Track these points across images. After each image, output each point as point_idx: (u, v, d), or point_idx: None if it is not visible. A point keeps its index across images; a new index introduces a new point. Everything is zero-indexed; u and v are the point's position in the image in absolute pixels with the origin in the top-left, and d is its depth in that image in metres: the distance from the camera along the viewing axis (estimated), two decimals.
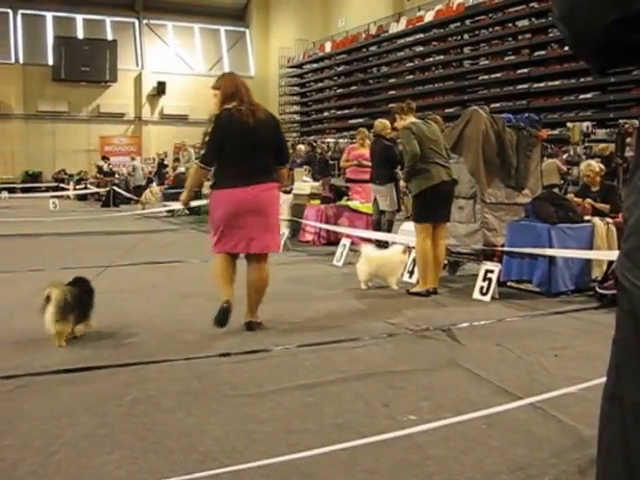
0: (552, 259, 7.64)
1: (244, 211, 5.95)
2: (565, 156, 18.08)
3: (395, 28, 29.11)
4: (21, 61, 37.87)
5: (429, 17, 27.08)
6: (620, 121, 15.57)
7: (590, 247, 7.89)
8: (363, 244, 8.77)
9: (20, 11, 38.11)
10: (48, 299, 5.47)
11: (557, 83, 21.17)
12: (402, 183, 7.88)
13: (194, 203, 17.93)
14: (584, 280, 7.95)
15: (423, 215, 7.72)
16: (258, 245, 6.06)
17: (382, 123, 11.14)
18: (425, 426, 3.71)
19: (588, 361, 5.19)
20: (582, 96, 20.35)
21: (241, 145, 5.94)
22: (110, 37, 39.81)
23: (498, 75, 23.41)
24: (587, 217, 8.28)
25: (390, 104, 16.30)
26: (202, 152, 6.39)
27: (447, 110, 22.73)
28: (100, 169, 28.56)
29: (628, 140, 14.04)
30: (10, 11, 37.94)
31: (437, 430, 3.70)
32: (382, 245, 10.70)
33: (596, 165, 9.24)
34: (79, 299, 5.67)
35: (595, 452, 1.39)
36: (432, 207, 7.66)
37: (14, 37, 37.98)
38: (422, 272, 7.75)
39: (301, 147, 19.60)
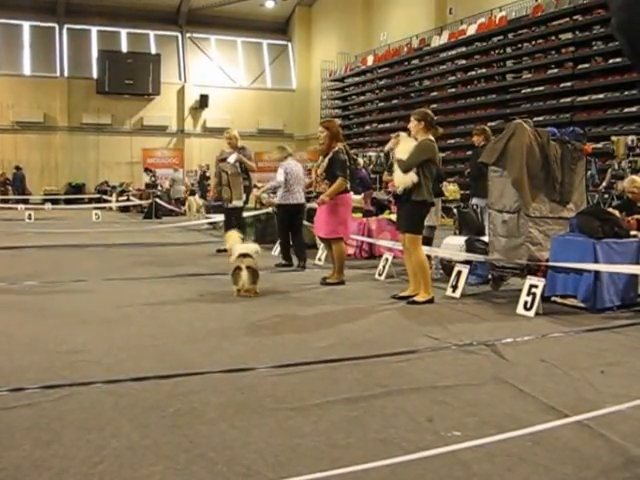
0: (597, 274, 7.52)
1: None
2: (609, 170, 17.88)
3: (437, 41, 29.08)
4: (66, 74, 38.56)
5: (471, 30, 27.00)
6: None
7: (637, 262, 7.75)
8: None
9: (66, 26, 38.85)
10: (239, 268, 8.30)
11: (601, 96, 20.95)
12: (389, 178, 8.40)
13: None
14: (630, 296, 7.82)
15: (420, 227, 8.32)
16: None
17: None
18: (470, 442, 3.66)
19: (636, 378, 5.09)
20: (627, 109, 20.12)
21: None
22: (154, 51, 40.34)
23: (541, 88, 23.22)
24: (633, 232, 8.15)
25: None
26: (342, 173, 9.38)
27: (489, 124, 22.45)
28: (148, 185, 28.78)
29: None
30: (57, 26, 38.66)
31: (482, 447, 3.65)
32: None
33: None
34: (257, 268, 8.52)
35: None
36: (423, 220, 8.39)
37: (59, 51, 38.67)
38: (426, 281, 8.14)
39: None
